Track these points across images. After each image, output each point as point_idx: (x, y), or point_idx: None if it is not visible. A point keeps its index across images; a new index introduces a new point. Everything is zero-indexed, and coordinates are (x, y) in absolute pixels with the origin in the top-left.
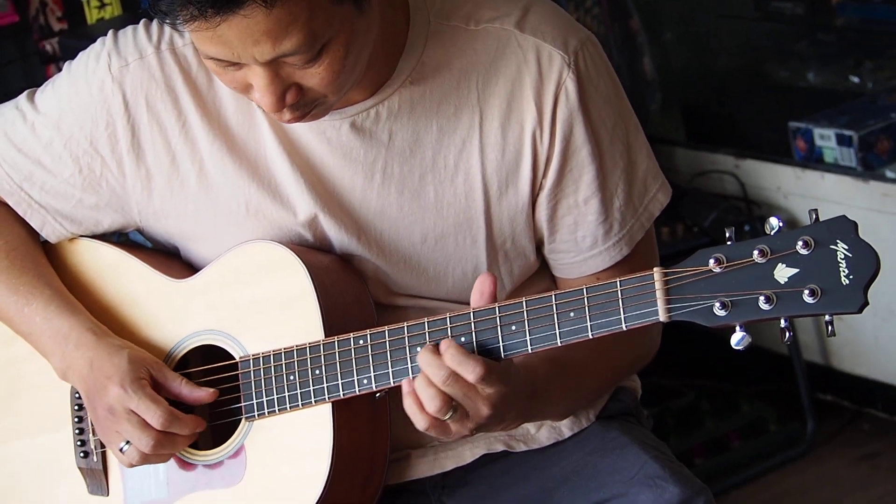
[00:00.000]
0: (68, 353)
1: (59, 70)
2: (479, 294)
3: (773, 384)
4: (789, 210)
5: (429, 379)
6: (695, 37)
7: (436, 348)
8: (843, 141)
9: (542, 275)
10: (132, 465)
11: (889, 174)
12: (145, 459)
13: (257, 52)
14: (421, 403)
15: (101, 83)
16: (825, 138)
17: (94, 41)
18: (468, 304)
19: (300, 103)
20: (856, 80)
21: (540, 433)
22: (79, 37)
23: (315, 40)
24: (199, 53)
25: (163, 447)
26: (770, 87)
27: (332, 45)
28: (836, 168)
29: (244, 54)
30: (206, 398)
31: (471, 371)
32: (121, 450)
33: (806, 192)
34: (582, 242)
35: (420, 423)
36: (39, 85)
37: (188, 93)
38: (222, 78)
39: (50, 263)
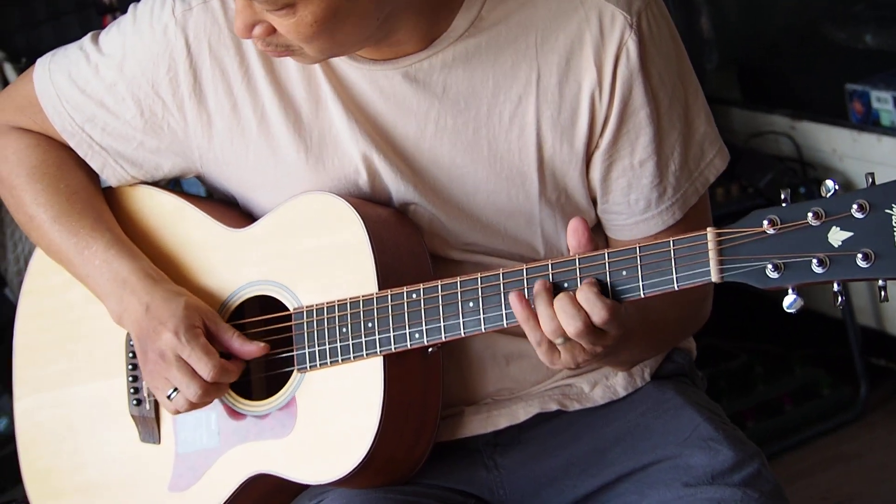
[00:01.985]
0: (125, 297)
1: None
2: (575, 241)
3: (826, 348)
4: (844, 173)
5: (550, 311)
6: None
7: (571, 296)
8: None
9: (597, 233)
10: (177, 412)
11: None
12: (191, 407)
13: None
14: (539, 323)
15: (164, 27)
16: (882, 101)
17: None
18: (524, 259)
19: (270, 41)
20: None
21: (594, 392)
22: None
23: None
24: None
25: (209, 395)
26: (827, 49)
27: (300, 8)
28: (892, 131)
29: None
30: (255, 353)
31: (598, 313)
32: (168, 397)
33: (862, 155)
34: (635, 205)
35: (533, 337)
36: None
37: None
38: None
39: (110, 209)
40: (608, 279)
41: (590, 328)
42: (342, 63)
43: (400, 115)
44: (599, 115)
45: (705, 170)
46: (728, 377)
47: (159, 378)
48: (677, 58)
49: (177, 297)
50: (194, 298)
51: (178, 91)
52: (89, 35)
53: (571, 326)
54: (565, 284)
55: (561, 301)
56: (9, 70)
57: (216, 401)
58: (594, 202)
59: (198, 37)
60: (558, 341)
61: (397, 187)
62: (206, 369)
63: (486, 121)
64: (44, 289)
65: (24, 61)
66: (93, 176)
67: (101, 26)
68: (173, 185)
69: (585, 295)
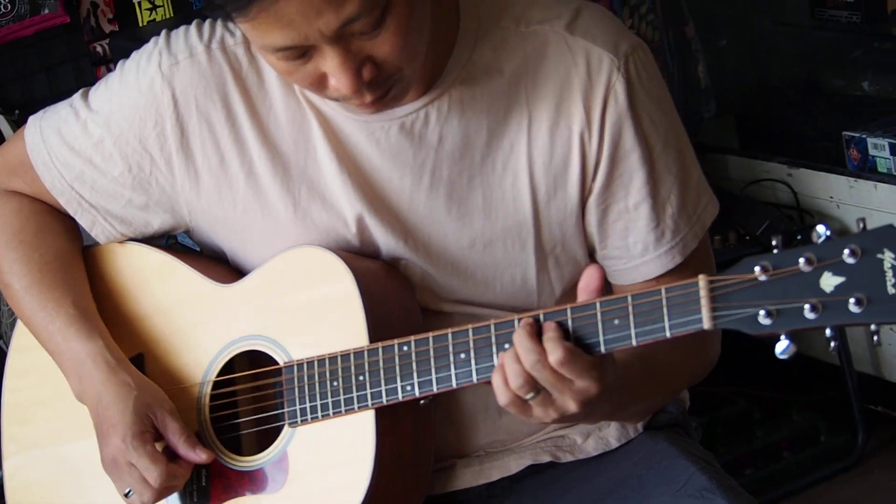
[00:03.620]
0: (83, 379)
1: (110, 71)
2: (584, 289)
3: (823, 394)
4: (842, 220)
5: (517, 356)
6: (750, 44)
7: (535, 329)
8: None
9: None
10: None
11: None
12: None
13: (322, 24)
14: (506, 378)
15: (150, 81)
16: (879, 148)
17: (145, 43)
18: (517, 310)
19: (378, 80)
20: None
21: (587, 444)
22: (129, 39)
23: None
24: (253, 55)
25: (163, 496)
26: (824, 96)
27: (394, 5)
28: (889, 178)
29: (310, 31)
30: (200, 461)
31: (552, 352)
32: (126, 495)
33: (859, 201)
34: (633, 248)
35: (501, 398)
36: (90, 86)
37: (238, 92)
38: (294, 77)
39: (91, 273)
40: (600, 329)
41: (547, 367)
42: (338, 115)
43: (395, 168)
44: (590, 159)
45: (702, 214)
46: (726, 424)
47: (115, 477)
48: (667, 102)
49: (127, 395)
50: (148, 393)
51: (166, 146)
52: (80, 92)
53: (527, 359)
54: None
55: (520, 336)
56: (2, 122)
57: None
58: (591, 251)
59: (185, 91)
60: (528, 396)
61: (387, 242)
62: (152, 477)
63: (481, 170)
64: (31, 346)
65: (18, 113)
66: (72, 242)
67: (96, 77)
68: (167, 239)
69: (547, 335)
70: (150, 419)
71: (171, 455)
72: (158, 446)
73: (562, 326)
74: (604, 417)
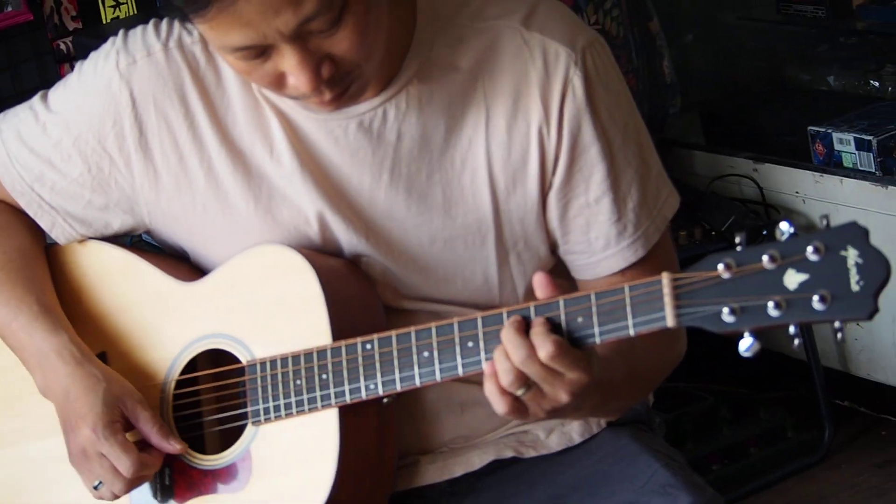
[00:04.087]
0: (48, 374)
1: (73, 69)
2: (543, 295)
3: (790, 390)
4: (807, 214)
5: (506, 352)
6: (715, 39)
7: (521, 325)
8: (862, 145)
9: (556, 275)
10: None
11: None
12: (117, 498)
13: (281, 23)
14: (499, 381)
15: (108, 81)
16: (844, 143)
17: (108, 40)
18: (479, 306)
19: (337, 77)
20: (876, 84)
21: (550, 439)
22: (93, 36)
23: None
24: (210, 54)
25: (134, 486)
26: (790, 91)
27: (352, 3)
28: (854, 173)
29: (269, 31)
30: (172, 451)
31: (541, 347)
32: (95, 487)
33: (824, 196)
34: (595, 243)
35: (499, 406)
36: (53, 84)
37: (196, 91)
38: (253, 76)
39: (52, 271)
40: (564, 326)
41: (537, 361)
42: (297, 113)
43: (354, 166)
44: (549, 153)
45: (663, 207)
46: (693, 420)
47: (84, 470)
48: (626, 96)
49: (96, 386)
50: (116, 384)
51: (125, 146)
52: (39, 93)
53: (516, 355)
54: None
55: (508, 332)
56: None
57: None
58: (554, 247)
59: (143, 90)
60: (519, 392)
61: (349, 240)
62: (124, 466)
63: (439, 166)
64: None
65: None
66: (35, 239)
67: (59, 75)
68: (131, 238)
69: (535, 330)
70: (120, 409)
71: (140, 445)
72: (129, 437)
73: (551, 321)
74: (590, 411)
